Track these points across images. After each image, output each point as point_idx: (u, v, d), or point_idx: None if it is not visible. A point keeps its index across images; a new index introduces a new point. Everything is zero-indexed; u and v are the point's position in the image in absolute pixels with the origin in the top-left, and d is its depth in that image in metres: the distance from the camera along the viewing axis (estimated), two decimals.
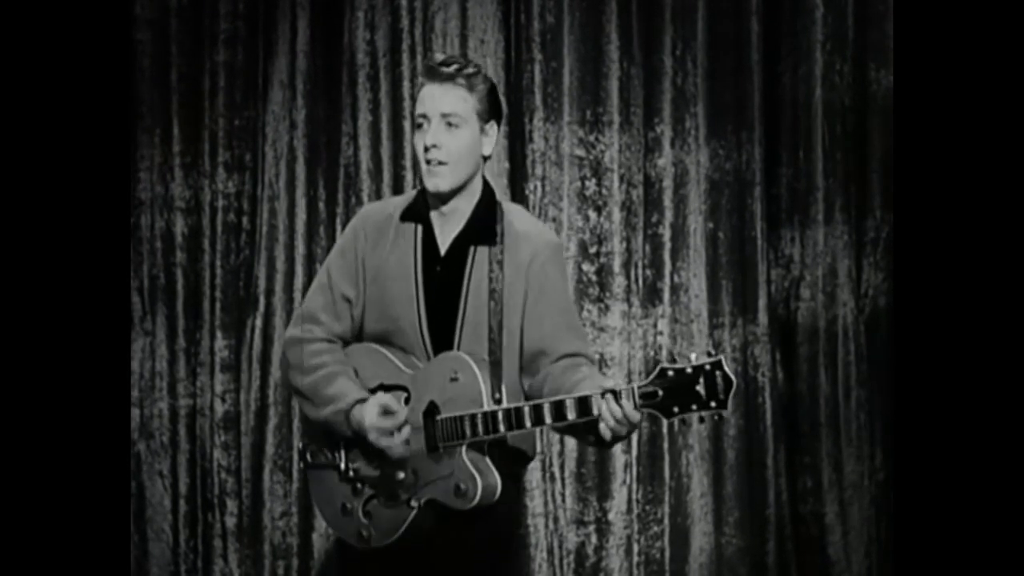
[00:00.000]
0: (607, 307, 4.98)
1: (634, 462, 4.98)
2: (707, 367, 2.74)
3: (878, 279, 5.00)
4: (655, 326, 5.01)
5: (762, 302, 5.03)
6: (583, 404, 2.79)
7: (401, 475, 2.99)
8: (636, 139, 5.01)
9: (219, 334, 4.95)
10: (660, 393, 2.73)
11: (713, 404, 2.72)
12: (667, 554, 4.99)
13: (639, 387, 2.76)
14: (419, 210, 3.02)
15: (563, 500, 4.96)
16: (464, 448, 2.92)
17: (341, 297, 3.01)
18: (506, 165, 4.95)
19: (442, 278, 2.99)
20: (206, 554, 4.98)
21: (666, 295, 5.01)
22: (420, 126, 2.95)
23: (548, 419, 2.82)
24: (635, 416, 2.76)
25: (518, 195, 4.96)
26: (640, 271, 5.01)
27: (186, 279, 4.97)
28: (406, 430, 2.95)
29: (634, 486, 4.98)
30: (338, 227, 4.95)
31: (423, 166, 2.94)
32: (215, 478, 4.96)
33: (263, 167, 4.97)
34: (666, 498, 5.00)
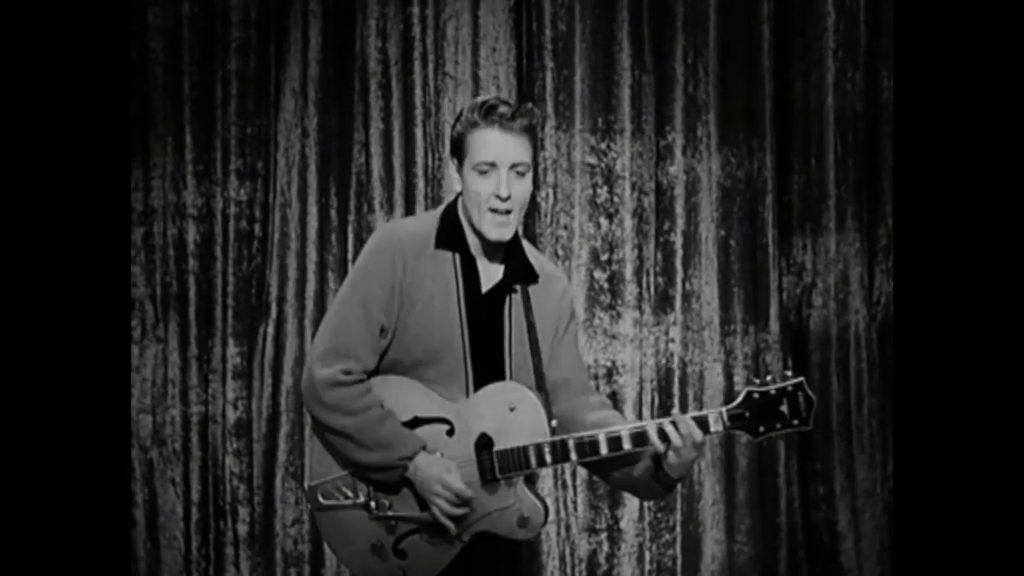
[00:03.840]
0: (619, 314, 4.98)
1: None
2: (789, 388, 2.89)
3: (890, 286, 4.99)
4: (667, 333, 5.00)
5: (774, 309, 5.03)
6: (661, 431, 2.88)
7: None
8: (648, 147, 5.01)
9: (231, 341, 4.95)
10: (747, 415, 2.89)
11: (796, 422, 2.89)
12: (679, 562, 4.99)
13: (728, 410, 2.89)
14: (455, 238, 2.99)
15: (575, 508, 4.96)
16: (522, 479, 2.94)
17: (379, 329, 2.92)
18: None
19: (487, 310, 2.98)
20: (218, 561, 4.97)
21: (678, 302, 5.01)
22: (485, 173, 2.92)
23: (627, 446, 2.89)
24: (700, 439, 2.87)
25: (529, 203, 4.95)
26: (652, 278, 5.01)
27: (198, 286, 4.97)
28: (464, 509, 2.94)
29: None
30: (350, 234, 4.95)
31: (488, 214, 2.91)
32: (227, 485, 4.96)
33: (275, 175, 4.97)
34: (678, 506, 4.99)
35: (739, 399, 2.89)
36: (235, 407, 4.95)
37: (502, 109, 2.92)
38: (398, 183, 4.94)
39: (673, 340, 5.01)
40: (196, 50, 4.96)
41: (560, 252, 4.97)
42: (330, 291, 4.94)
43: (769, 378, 2.91)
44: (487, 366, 2.95)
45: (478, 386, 2.95)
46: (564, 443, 2.90)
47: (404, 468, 2.88)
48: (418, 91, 4.93)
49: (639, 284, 5.00)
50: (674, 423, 2.87)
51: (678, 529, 4.99)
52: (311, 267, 4.96)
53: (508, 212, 2.91)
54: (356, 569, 2.95)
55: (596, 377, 4.95)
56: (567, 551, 4.94)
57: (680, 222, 5.02)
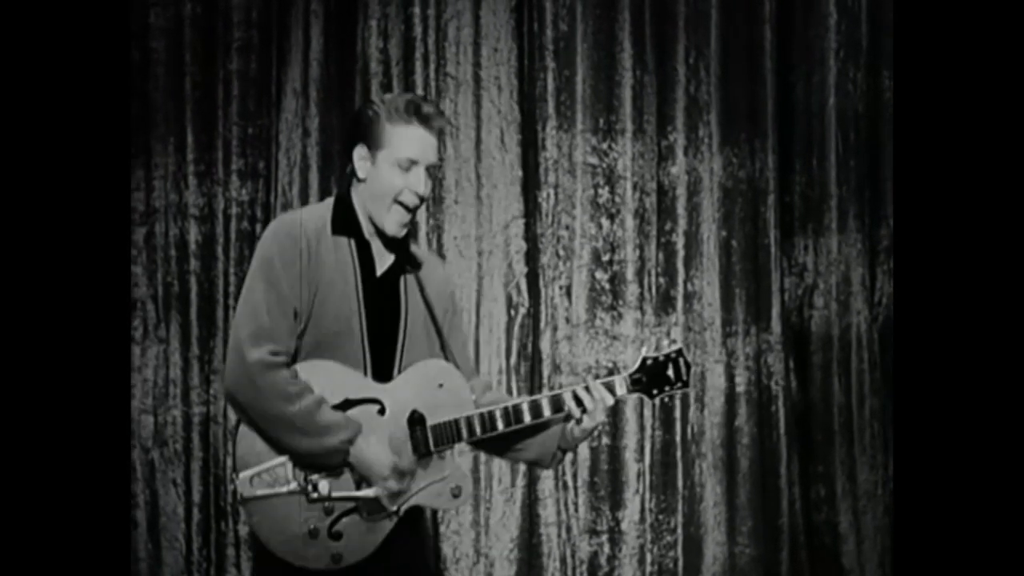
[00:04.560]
0: (620, 315, 4.97)
1: (647, 471, 4.97)
2: (673, 355, 3.17)
3: (891, 287, 4.99)
4: (668, 334, 5.00)
5: (775, 310, 5.03)
6: (576, 397, 3.07)
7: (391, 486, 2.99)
8: (649, 147, 5.01)
9: None
10: (644, 379, 3.14)
11: (679, 385, 3.16)
12: (680, 563, 4.98)
13: (630, 375, 3.13)
14: (350, 225, 3.03)
15: (576, 509, 4.95)
16: (452, 451, 3.04)
17: (294, 312, 2.94)
18: (519, 173, 4.95)
19: (381, 293, 3.04)
20: (219, 562, 4.97)
21: (679, 303, 5.00)
22: (406, 169, 2.98)
23: (546, 412, 3.05)
24: (610, 402, 3.10)
25: (531, 203, 4.96)
26: (653, 279, 5.01)
27: (200, 287, 4.97)
28: (405, 481, 2.99)
29: (647, 495, 4.97)
30: None
31: (396, 207, 2.97)
32: (228, 486, 4.95)
33: (276, 175, 4.97)
34: (679, 507, 4.99)
35: (636, 365, 3.13)
36: None
37: (427, 109, 2.99)
38: None
39: (675, 341, 4.99)
40: (198, 50, 4.96)
41: (561, 252, 4.97)
42: None
43: (658, 344, 3.12)
44: (381, 348, 3.00)
45: (375, 368, 3.00)
46: (492, 413, 3.02)
47: (346, 452, 2.91)
48: (419, 91, 4.93)
49: (641, 285, 4.99)
50: (587, 388, 3.07)
51: (679, 531, 4.98)
52: None
53: (414, 209, 2.99)
54: (290, 556, 2.94)
55: (597, 378, 4.93)
56: (568, 553, 4.93)
57: (682, 222, 5.01)
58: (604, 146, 4.98)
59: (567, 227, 4.97)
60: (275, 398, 2.87)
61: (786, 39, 5.04)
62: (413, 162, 2.97)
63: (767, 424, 5.02)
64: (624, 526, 4.95)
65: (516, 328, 4.93)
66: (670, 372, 3.14)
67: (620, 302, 4.98)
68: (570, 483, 4.95)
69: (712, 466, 4.99)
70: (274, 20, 4.97)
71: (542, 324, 4.95)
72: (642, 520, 4.96)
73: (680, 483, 4.98)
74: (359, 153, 3.00)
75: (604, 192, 4.99)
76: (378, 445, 2.94)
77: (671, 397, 3.24)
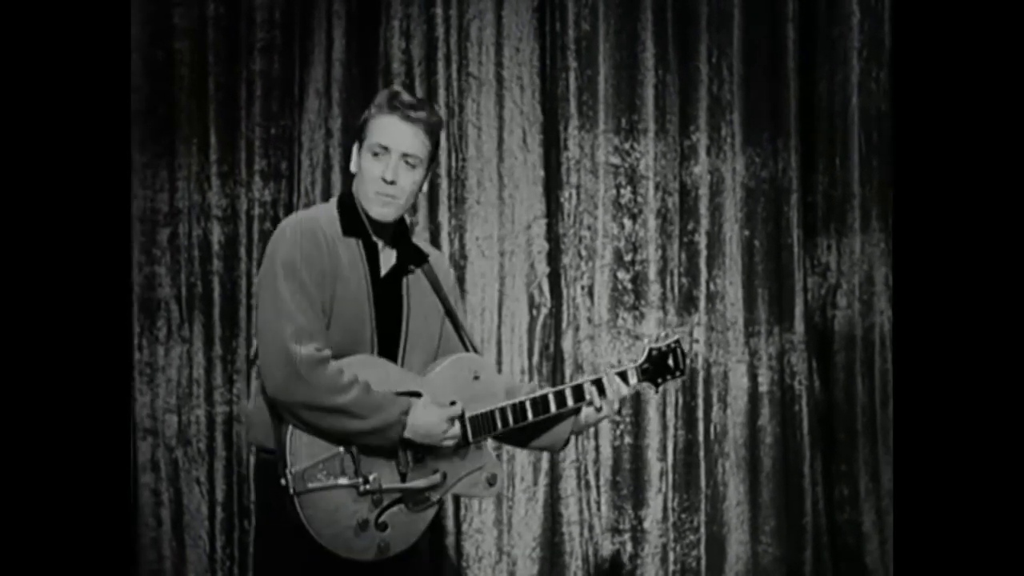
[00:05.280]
0: (642, 315, 4.97)
1: (670, 470, 4.97)
2: (673, 345, 3.33)
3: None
4: (691, 334, 4.99)
5: (799, 310, 5.02)
6: (600, 385, 3.20)
7: (434, 476, 3.07)
8: (672, 147, 5.00)
9: (255, 342, 4.97)
10: (651, 369, 3.30)
11: (678, 373, 3.34)
12: (703, 563, 4.98)
13: (639, 365, 3.28)
14: (358, 225, 3.10)
15: (598, 508, 4.96)
16: (486, 441, 3.16)
17: (322, 309, 3.01)
18: (541, 173, 4.95)
19: (386, 293, 3.11)
20: (242, 560, 4.99)
21: (702, 303, 5.00)
22: (377, 155, 3.05)
23: (570, 402, 3.18)
24: (625, 392, 3.25)
25: (553, 203, 4.96)
26: (676, 279, 5.01)
27: (223, 287, 4.98)
28: (457, 427, 3.10)
29: (670, 494, 4.97)
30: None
31: (373, 195, 3.05)
32: (251, 485, 4.97)
33: (299, 176, 4.98)
34: (702, 506, 4.98)
35: (644, 355, 3.29)
36: None
37: (405, 98, 3.08)
38: None
39: (697, 341, 5.00)
40: (220, 51, 4.96)
41: (583, 253, 4.97)
42: None
43: (659, 336, 3.35)
44: (385, 347, 3.09)
45: None
46: (522, 404, 3.14)
47: (403, 425, 2.98)
48: (442, 91, 4.93)
49: (663, 285, 4.99)
50: (603, 378, 3.21)
51: (702, 530, 4.98)
52: None
53: (395, 198, 3.05)
54: (340, 548, 2.99)
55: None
56: (590, 552, 4.94)
57: (704, 222, 5.01)
58: (626, 146, 4.98)
59: (589, 227, 4.97)
60: (329, 391, 2.93)
61: (809, 38, 5.02)
62: (384, 148, 3.04)
63: (790, 424, 5.02)
64: (647, 525, 4.96)
65: (538, 328, 4.93)
66: (670, 362, 3.31)
67: (642, 302, 4.97)
68: (592, 482, 4.95)
69: (735, 465, 4.99)
70: (297, 21, 4.97)
71: (564, 324, 4.95)
72: (665, 519, 4.96)
73: (703, 482, 4.98)
74: (353, 149, 3.13)
75: (626, 192, 4.98)
76: (431, 408, 3.03)
77: (669, 382, 3.38)
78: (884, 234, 5.00)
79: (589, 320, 4.95)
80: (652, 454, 4.96)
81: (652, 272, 4.97)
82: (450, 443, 3.05)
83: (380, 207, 3.05)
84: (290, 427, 2.98)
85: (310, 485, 2.96)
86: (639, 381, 3.28)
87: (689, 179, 5.02)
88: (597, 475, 4.95)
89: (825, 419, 5.07)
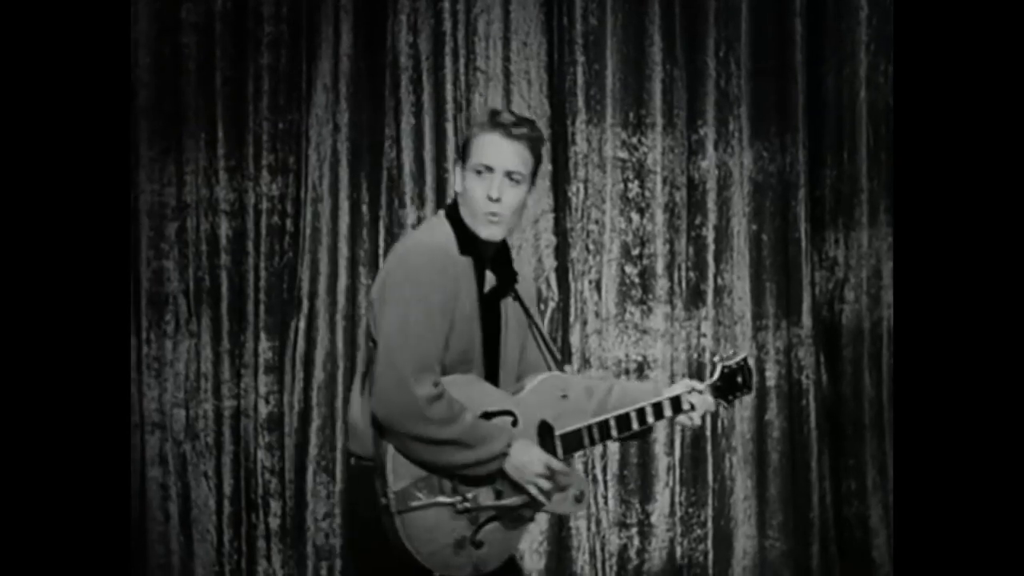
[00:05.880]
0: (650, 309, 4.97)
1: (677, 464, 4.97)
2: (742, 363, 3.31)
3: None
4: (698, 328, 4.99)
5: (806, 304, 5.02)
6: (676, 402, 3.19)
7: (529, 494, 3.09)
8: (679, 141, 5.00)
9: (263, 336, 4.97)
10: (722, 386, 3.27)
11: (746, 390, 3.31)
12: (710, 557, 4.98)
13: (713, 383, 3.25)
14: (472, 243, 3.10)
15: (605, 502, 4.96)
16: (573, 458, 3.18)
17: (445, 338, 3.03)
18: (549, 167, 4.94)
19: (489, 311, 3.13)
20: (250, 555, 5.00)
21: (709, 297, 5.00)
22: (480, 174, 3.05)
23: (650, 419, 3.17)
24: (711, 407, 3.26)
25: (560, 198, 4.96)
26: (683, 273, 5.00)
27: (230, 281, 4.99)
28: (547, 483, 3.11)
29: (677, 488, 4.97)
30: (381, 230, 4.96)
31: (480, 215, 3.04)
32: (259, 479, 4.98)
33: (307, 170, 4.98)
34: (709, 501, 4.98)
35: (718, 373, 3.27)
36: (267, 401, 4.97)
37: (506, 116, 3.07)
38: (429, 178, 4.94)
39: (705, 335, 5.00)
40: (228, 46, 4.97)
41: (591, 247, 4.97)
42: (362, 286, 4.95)
43: (723, 354, 3.35)
44: (490, 366, 3.11)
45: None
46: (606, 422, 3.13)
47: (505, 456, 3.01)
48: (449, 86, 4.93)
49: (670, 279, 4.99)
50: (685, 397, 3.19)
51: (709, 524, 4.98)
52: (342, 262, 4.97)
53: (501, 216, 3.04)
54: (438, 566, 3.02)
55: (627, 372, 4.95)
56: (597, 546, 4.94)
57: (712, 217, 5.01)
58: (634, 140, 4.97)
59: (597, 221, 4.97)
60: (442, 424, 2.95)
61: (817, 32, 5.01)
62: (487, 167, 3.03)
63: (798, 418, 5.02)
64: (654, 519, 4.96)
65: (546, 322, 4.93)
66: (739, 379, 3.31)
67: (650, 296, 4.97)
68: (600, 476, 4.95)
69: (742, 460, 4.99)
70: (304, 15, 4.97)
71: (572, 318, 4.95)
72: (672, 513, 4.97)
73: (710, 477, 4.98)
74: (456, 169, 3.12)
75: (634, 186, 4.98)
76: (531, 447, 3.06)
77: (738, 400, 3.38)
78: (892, 228, 4.99)
79: (597, 314, 4.95)
80: (659, 449, 4.96)
81: (660, 266, 4.97)
82: (534, 490, 3.04)
83: (487, 227, 3.04)
84: (379, 445, 3.01)
85: (411, 504, 2.98)
86: (715, 398, 3.27)
87: (697, 173, 5.01)
88: (604, 469, 4.96)
89: (832, 413, 5.06)
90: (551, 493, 3.06)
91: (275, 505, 4.98)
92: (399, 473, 2.99)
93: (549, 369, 3.22)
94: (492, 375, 3.12)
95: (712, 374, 3.27)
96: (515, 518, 3.07)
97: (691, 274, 5.01)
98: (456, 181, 3.10)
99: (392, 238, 4.93)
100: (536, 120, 3.17)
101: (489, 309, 3.12)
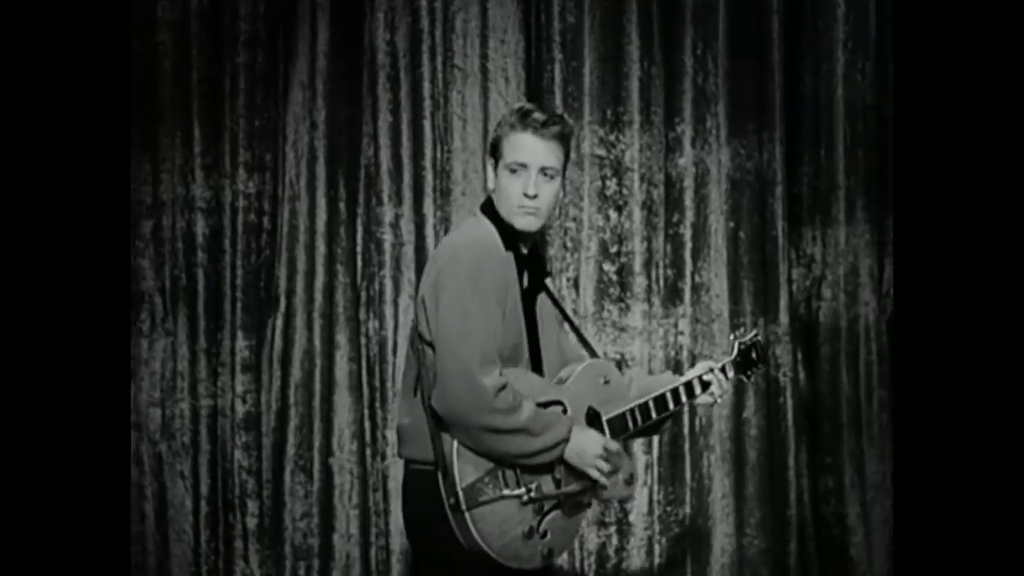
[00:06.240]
0: (628, 307, 4.97)
1: (655, 463, 4.97)
2: (754, 339, 3.54)
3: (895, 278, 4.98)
4: (676, 326, 5.00)
5: (783, 302, 5.02)
6: (703, 381, 3.36)
7: (587, 480, 3.14)
8: (657, 139, 5.00)
9: (240, 334, 4.96)
10: (741, 362, 3.48)
11: (761, 365, 3.54)
12: (689, 555, 4.98)
13: (733, 359, 3.46)
14: (513, 240, 3.20)
15: None
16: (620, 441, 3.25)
17: (501, 330, 3.11)
18: None
19: (528, 304, 3.22)
20: (227, 555, 4.98)
21: (687, 295, 5.00)
22: (515, 172, 3.13)
23: (684, 398, 3.34)
24: (726, 387, 3.44)
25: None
26: (661, 271, 5.01)
27: (207, 279, 4.97)
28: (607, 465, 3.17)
29: (655, 487, 4.97)
30: (358, 227, 4.95)
31: (516, 208, 3.13)
32: (236, 479, 4.96)
33: (284, 168, 4.97)
34: (687, 499, 4.99)
35: (736, 350, 3.48)
36: (244, 400, 4.96)
37: (536, 115, 3.15)
38: (407, 176, 4.94)
39: (682, 333, 5.00)
40: (204, 44, 4.96)
41: (569, 244, 4.97)
42: (339, 284, 4.94)
43: (738, 332, 3.56)
44: (534, 356, 3.20)
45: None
46: (646, 404, 3.27)
47: (567, 442, 3.09)
48: (426, 84, 4.93)
49: (648, 276, 4.99)
50: (708, 375, 3.37)
51: (687, 522, 4.98)
52: (320, 260, 4.96)
53: (537, 209, 3.14)
54: (511, 559, 3.06)
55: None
56: (576, 544, 4.93)
57: (689, 214, 5.01)
58: (611, 138, 4.98)
59: (574, 219, 4.97)
60: (508, 413, 3.00)
61: (794, 30, 5.02)
62: (522, 164, 3.12)
63: (775, 416, 5.02)
64: (632, 518, 4.96)
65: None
66: (754, 355, 3.52)
67: (628, 294, 4.97)
68: None
69: (720, 458, 4.99)
70: (280, 13, 4.97)
71: None
72: (650, 512, 4.96)
73: (688, 475, 4.98)
74: (491, 165, 3.20)
75: (611, 184, 4.98)
76: (588, 431, 3.14)
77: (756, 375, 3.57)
78: (869, 225, 5.00)
79: (575, 311, 4.94)
80: (638, 447, 4.95)
81: (637, 264, 4.97)
82: (595, 473, 3.11)
83: (524, 218, 3.13)
84: (454, 443, 3.03)
85: (480, 499, 3.02)
86: (735, 374, 3.47)
87: (674, 171, 5.02)
88: None
89: (810, 411, 5.07)
90: (610, 475, 3.13)
91: (252, 505, 4.97)
92: (465, 471, 3.03)
93: (589, 357, 3.33)
94: (536, 368, 3.19)
95: (731, 351, 3.46)
96: (574, 505, 3.14)
97: (669, 272, 5.01)
98: (488, 179, 3.20)
99: (370, 235, 4.92)
100: (564, 115, 3.20)
101: (528, 303, 3.21)
